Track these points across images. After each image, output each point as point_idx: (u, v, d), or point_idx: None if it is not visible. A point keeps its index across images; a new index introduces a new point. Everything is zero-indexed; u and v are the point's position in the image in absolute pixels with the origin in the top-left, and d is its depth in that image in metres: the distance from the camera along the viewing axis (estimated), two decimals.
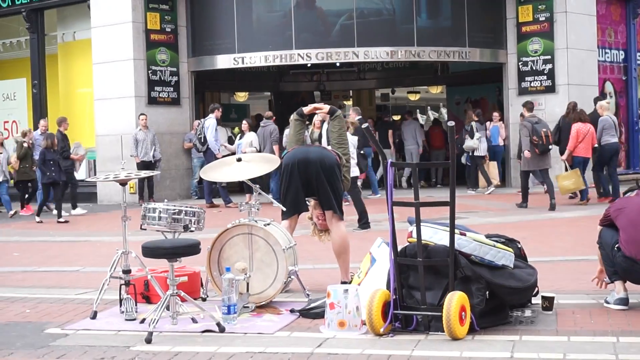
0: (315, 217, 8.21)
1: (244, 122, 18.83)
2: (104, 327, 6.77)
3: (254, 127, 19.33)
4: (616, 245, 6.84)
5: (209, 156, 17.79)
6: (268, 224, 7.48)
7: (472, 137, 20.03)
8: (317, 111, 8.66)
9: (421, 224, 6.23)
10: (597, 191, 16.88)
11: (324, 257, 9.71)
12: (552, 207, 15.66)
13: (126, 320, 6.90)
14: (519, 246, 7.19)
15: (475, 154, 20.25)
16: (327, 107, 8.50)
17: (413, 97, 32.30)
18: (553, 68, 20.42)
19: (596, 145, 16.46)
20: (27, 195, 18.75)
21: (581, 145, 16.29)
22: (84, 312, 7.36)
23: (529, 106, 16.83)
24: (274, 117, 19.46)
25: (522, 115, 17.53)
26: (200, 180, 19.12)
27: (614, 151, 16.92)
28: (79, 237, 14.18)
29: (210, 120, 18.19)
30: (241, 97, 28.64)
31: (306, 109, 8.49)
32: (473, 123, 20.28)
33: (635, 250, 6.72)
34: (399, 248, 6.37)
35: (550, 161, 16.57)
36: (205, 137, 18.13)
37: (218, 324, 6.46)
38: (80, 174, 19.71)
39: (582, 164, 16.51)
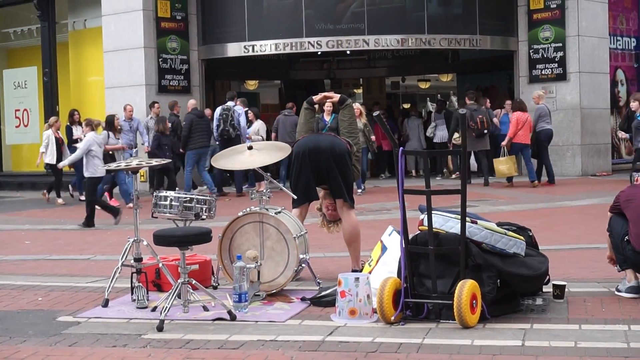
0: (324, 207, 8.22)
1: (249, 111, 18.78)
2: (116, 315, 6.79)
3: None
4: (626, 237, 6.81)
5: (225, 144, 17.36)
6: (279, 212, 7.49)
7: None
8: (327, 100, 8.65)
9: (432, 212, 6.23)
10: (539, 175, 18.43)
11: (335, 245, 9.71)
12: (486, 183, 18.36)
13: (138, 308, 6.92)
14: (530, 234, 7.19)
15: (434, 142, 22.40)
16: (337, 96, 8.50)
17: (423, 85, 32.20)
18: (564, 56, 20.37)
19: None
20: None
21: (520, 132, 17.64)
22: (96, 300, 7.38)
23: (470, 95, 19.10)
24: (295, 107, 19.42)
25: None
26: (211, 169, 19.09)
27: (549, 137, 18.25)
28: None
29: (239, 107, 18.01)
30: (251, 85, 28.60)
31: (316, 98, 8.48)
32: (432, 113, 22.31)
33: None
34: (410, 236, 6.37)
35: (487, 143, 18.73)
36: (239, 122, 17.75)
37: (229, 312, 6.47)
38: None
39: (521, 149, 17.89)
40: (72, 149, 18.11)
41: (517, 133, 17.53)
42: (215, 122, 17.80)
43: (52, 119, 18.65)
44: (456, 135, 19.01)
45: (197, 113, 18.14)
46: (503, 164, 17.70)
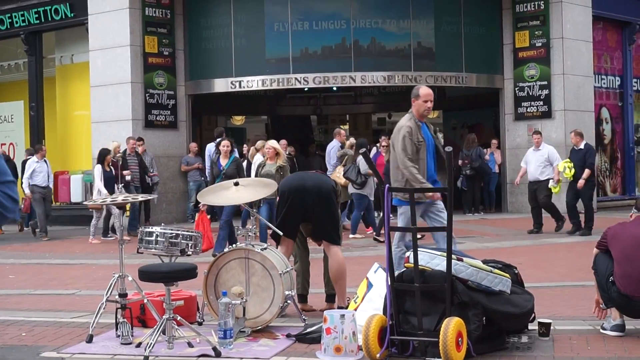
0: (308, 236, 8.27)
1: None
2: (100, 350, 6.74)
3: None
4: (610, 278, 6.81)
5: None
6: (265, 249, 7.48)
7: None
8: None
9: (418, 249, 6.24)
10: None
11: (321, 281, 9.65)
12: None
13: (122, 344, 6.87)
14: (516, 272, 7.19)
15: None
16: None
17: None
18: (549, 94, 20.49)
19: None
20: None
21: None
22: (80, 335, 7.33)
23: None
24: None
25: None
26: (197, 204, 19.03)
27: None
28: (75, 259, 14.13)
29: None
30: (238, 120, 28.68)
31: None
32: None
33: (630, 287, 6.67)
34: (396, 273, 6.37)
35: None
36: None
37: (214, 349, 6.44)
38: (77, 196, 19.69)
39: None
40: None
41: None
42: (207, 160, 17.60)
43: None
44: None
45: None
46: None
